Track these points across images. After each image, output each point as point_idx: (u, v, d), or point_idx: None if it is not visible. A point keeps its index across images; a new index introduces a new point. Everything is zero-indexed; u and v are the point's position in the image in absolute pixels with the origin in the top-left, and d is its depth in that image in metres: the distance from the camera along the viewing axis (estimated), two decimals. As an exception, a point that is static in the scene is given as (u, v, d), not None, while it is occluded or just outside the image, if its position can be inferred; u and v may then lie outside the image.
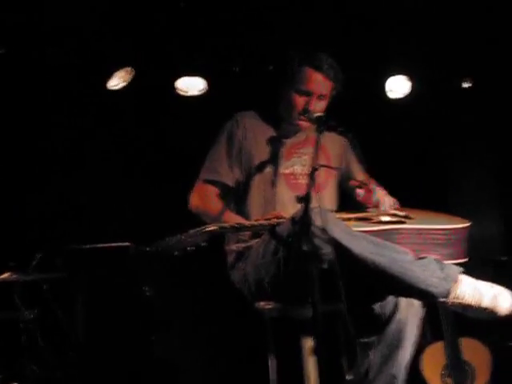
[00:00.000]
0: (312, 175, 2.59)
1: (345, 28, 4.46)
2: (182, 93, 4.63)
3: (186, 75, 4.60)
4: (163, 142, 4.68)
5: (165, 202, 4.31)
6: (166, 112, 4.69)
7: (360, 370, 2.86)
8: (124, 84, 4.39)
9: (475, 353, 4.02)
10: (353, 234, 2.73)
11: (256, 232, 2.97)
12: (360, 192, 3.17)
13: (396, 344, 2.81)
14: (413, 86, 4.80)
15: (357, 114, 4.56)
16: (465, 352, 3.96)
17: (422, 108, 4.83)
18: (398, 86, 4.84)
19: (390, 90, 4.84)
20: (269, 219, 2.88)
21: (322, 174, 3.11)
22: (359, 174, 3.32)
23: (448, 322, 3.87)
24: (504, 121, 4.71)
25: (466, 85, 4.86)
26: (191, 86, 4.64)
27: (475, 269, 2.93)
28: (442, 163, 4.95)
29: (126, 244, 3.90)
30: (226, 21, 4.36)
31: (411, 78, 4.79)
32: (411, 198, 3.33)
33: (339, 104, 3.25)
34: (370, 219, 3.05)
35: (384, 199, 3.11)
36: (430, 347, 4.08)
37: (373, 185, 3.16)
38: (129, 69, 4.36)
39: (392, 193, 3.25)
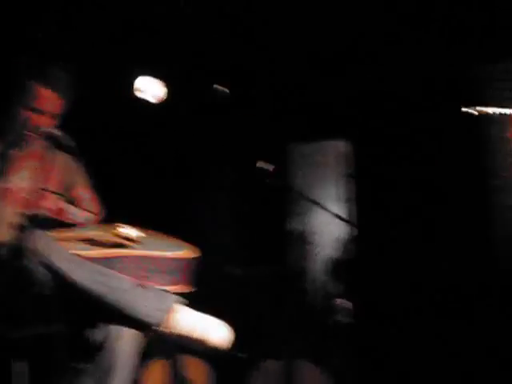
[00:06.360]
0: (33, 198, 2.51)
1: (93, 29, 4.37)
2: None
3: None
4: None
5: None
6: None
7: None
8: None
9: (196, 370, 4.12)
10: (72, 260, 2.67)
11: None
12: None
13: (109, 372, 2.80)
14: (168, 91, 4.78)
15: (103, 118, 4.49)
16: (186, 369, 4.04)
17: (174, 116, 4.85)
18: (149, 88, 4.80)
19: (140, 90, 4.79)
20: None
21: (46, 196, 3.03)
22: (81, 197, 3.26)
23: (170, 339, 3.91)
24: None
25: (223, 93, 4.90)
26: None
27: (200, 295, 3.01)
28: (185, 176, 4.99)
29: None
30: None
31: (166, 81, 4.78)
32: (148, 216, 3.32)
33: (82, 109, 3.18)
34: (96, 240, 3.00)
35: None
36: (152, 364, 4.11)
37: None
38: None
39: (128, 208, 3.22)
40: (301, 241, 5.08)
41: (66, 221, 3.10)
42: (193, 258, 3.05)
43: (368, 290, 4.85)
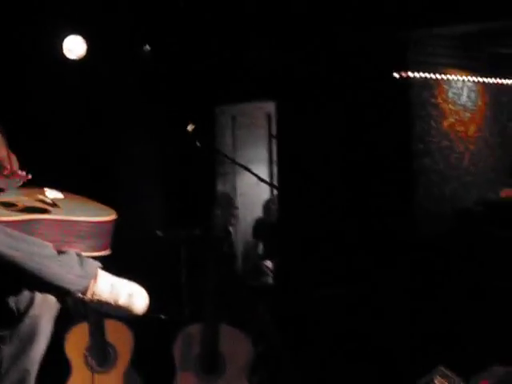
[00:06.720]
0: None
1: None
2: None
3: None
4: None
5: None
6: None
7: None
8: None
9: (118, 335, 4.10)
10: (-15, 225, 2.58)
11: None
12: None
13: (29, 339, 2.74)
14: (89, 49, 4.68)
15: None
16: (108, 334, 4.02)
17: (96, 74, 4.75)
18: (74, 47, 4.69)
19: (68, 50, 4.68)
20: None
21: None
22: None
23: (92, 305, 3.87)
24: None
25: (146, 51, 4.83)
26: None
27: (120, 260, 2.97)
28: (110, 139, 4.91)
29: None
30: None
31: (87, 39, 4.67)
32: (69, 179, 3.23)
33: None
34: (15, 205, 2.90)
35: None
36: (74, 328, 4.07)
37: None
38: None
39: (48, 171, 3.14)
40: (227, 203, 5.06)
41: None
42: (113, 221, 2.99)
43: (289, 252, 4.89)
